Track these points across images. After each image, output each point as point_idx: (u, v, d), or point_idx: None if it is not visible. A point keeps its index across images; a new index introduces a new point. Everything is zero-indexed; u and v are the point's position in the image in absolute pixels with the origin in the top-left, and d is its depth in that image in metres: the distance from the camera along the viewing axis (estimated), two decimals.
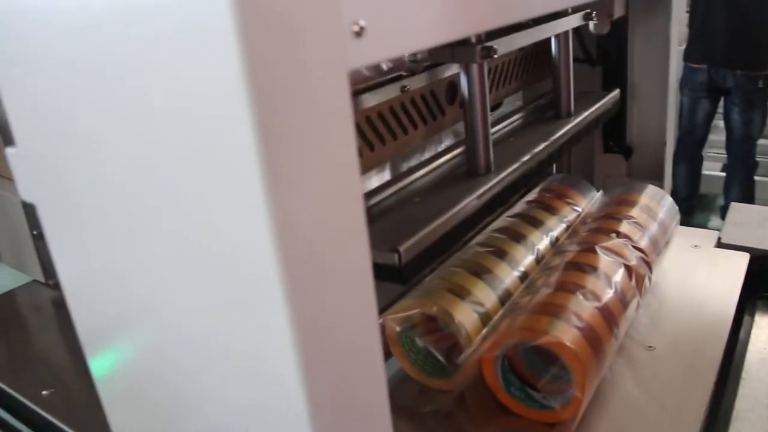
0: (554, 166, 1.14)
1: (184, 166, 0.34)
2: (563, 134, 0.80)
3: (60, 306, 0.50)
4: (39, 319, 0.91)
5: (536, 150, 0.74)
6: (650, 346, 0.78)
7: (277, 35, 0.30)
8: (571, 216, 0.89)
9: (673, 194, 0.99)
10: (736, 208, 1.09)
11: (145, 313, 0.44)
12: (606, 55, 1.01)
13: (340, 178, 0.35)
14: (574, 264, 0.74)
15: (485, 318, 0.69)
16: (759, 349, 0.83)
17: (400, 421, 0.69)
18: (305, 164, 0.33)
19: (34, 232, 0.88)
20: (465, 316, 0.67)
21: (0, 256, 0.99)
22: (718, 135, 2.69)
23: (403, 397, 0.71)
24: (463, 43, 0.60)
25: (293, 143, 0.32)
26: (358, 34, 0.34)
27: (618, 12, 0.89)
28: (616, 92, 0.97)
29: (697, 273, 0.92)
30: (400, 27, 0.37)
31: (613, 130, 1.07)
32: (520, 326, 0.64)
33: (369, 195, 0.65)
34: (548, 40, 0.82)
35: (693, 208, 2.59)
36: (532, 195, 0.92)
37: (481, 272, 0.73)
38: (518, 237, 0.80)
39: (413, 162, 0.78)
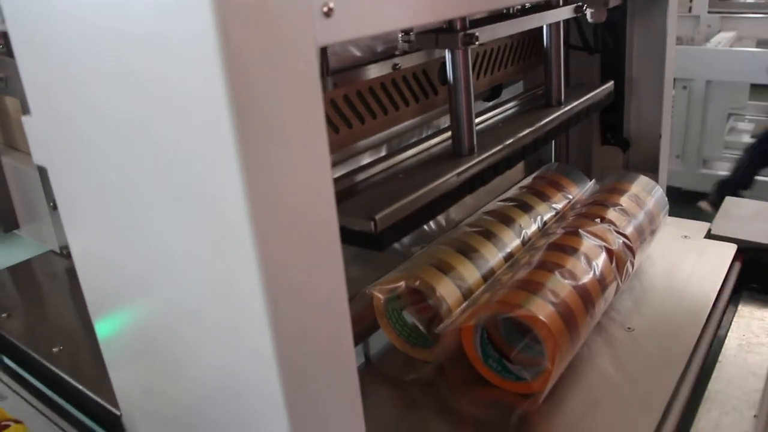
0: (552, 156, 1.17)
1: (174, 131, 0.38)
2: (549, 121, 0.83)
3: (73, 274, 0.55)
4: (53, 286, 0.96)
5: (520, 134, 0.77)
6: (629, 328, 0.81)
7: (250, 15, 0.34)
8: (562, 203, 0.92)
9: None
10: (729, 202, 1.11)
11: (143, 280, 0.49)
12: (604, 44, 1.03)
13: (309, 144, 0.39)
14: (556, 245, 0.77)
15: (467, 293, 0.72)
16: (738, 336, 0.86)
17: (384, 388, 0.73)
18: (275, 130, 0.37)
19: (51, 204, 0.93)
20: (447, 290, 0.71)
21: (19, 228, 1.04)
22: (735, 136, 2.69)
23: (389, 367, 0.75)
24: (447, 30, 0.64)
25: (264, 111, 0.36)
26: (327, 14, 0.38)
27: (614, 1, 0.92)
28: (609, 84, 0.99)
29: (683, 262, 0.94)
30: (368, 8, 0.41)
31: (610, 122, 1.10)
32: (497, 300, 0.67)
33: (357, 171, 0.69)
34: (543, 27, 0.85)
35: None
36: (525, 182, 0.96)
37: (467, 251, 0.76)
38: (507, 220, 0.84)
39: (410, 141, 0.82)
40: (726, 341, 0.85)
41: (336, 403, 0.46)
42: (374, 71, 0.71)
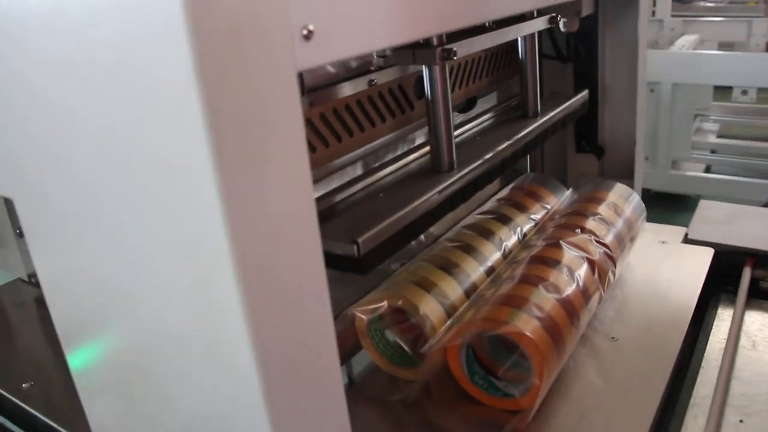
0: (528, 165, 1.17)
1: (149, 159, 0.37)
2: (527, 133, 0.82)
3: (42, 303, 0.52)
4: (21, 316, 0.93)
5: (499, 148, 0.76)
6: (613, 338, 0.80)
7: (226, 40, 0.32)
8: (540, 213, 0.92)
9: None
10: (705, 206, 1.12)
11: (118, 307, 0.46)
12: (576, 52, 1.04)
13: (291, 171, 0.37)
14: (538, 258, 0.76)
15: (451, 310, 0.71)
16: (719, 339, 0.86)
17: (368, 409, 0.71)
18: (255, 158, 0.35)
19: (17, 231, 0.90)
20: (430, 308, 0.69)
21: None
22: (701, 137, 2.73)
23: (372, 387, 0.74)
24: (424, 45, 0.63)
25: (243, 138, 0.34)
26: (307, 37, 0.37)
27: (586, 10, 0.92)
28: (584, 93, 1.00)
29: (662, 267, 0.95)
30: (348, 31, 0.40)
31: (584, 130, 1.10)
32: (482, 317, 0.66)
33: (337, 191, 0.67)
34: (517, 39, 0.85)
35: None
36: (502, 193, 0.95)
37: (448, 266, 0.75)
38: (487, 233, 0.83)
39: (387, 157, 0.81)
40: (708, 346, 0.85)
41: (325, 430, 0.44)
42: (350, 88, 0.70)
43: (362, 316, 0.69)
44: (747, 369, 0.80)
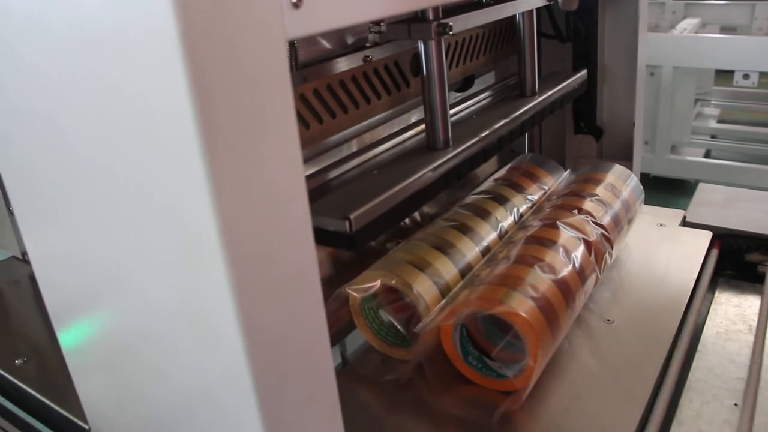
0: (526, 146, 1.16)
1: (135, 131, 0.36)
2: (524, 112, 0.82)
3: (36, 280, 0.52)
4: (16, 293, 0.92)
5: (496, 126, 0.75)
6: (609, 320, 0.80)
7: (213, 7, 0.31)
8: (538, 194, 0.91)
9: None
10: (704, 189, 1.11)
11: (107, 284, 0.46)
12: (576, 32, 1.02)
13: (280, 142, 0.37)
14: (534, 238, 0.76)
15: (445, 290, 0.71)
16: (716, 323, 0.86)
17: (362, 389, 0.71)
18: (244, 128, 0.34)
19: (10, 209, 0.89)
20: (424, 287, 0.69)
21: None
22: (702, 122, 2.72)
23: (365, 367, 0.74)
24: (420, 20, 0.61)
25: (231, 109, 0.33)
26: (296, 5, 0.36)
27: None
28: (583, 73, 0.98)
29: (660, 250, 0.94)
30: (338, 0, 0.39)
31: (583, 111, 1.09)
32: (476, 296, 0.66)
33: (330, 167, 0.66)
34: (515, 16, 0.83)
35: None
36: (500, 173, 0.94)
37: (443, 246, 0.75)
38: (483, 213, 0.82)
39: (383, 134, 0.80)
40: (704, 329, 0.84)
41: (314, 409, 0.44)
42: (345, 64, 0.69)
43: (355, 295, 0.68)
44: (743, 353, 0.80)
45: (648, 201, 1.04)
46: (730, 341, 0.82)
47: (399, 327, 0.70)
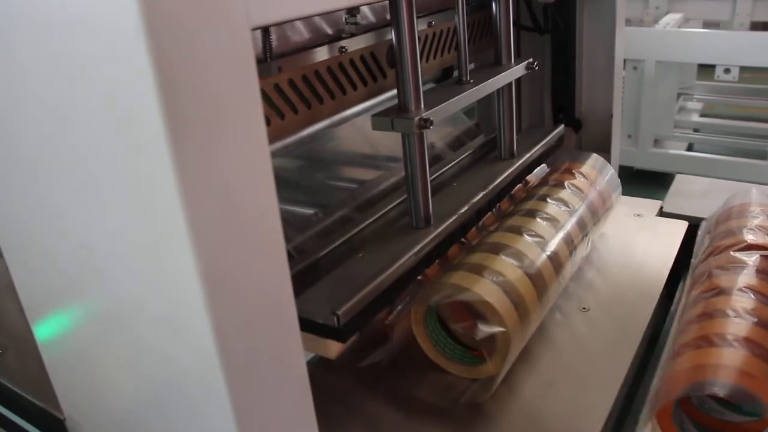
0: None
1: (102, 118, 0.36)
2: (503, 179, 0.85)
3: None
4: None
5: (474, 200, 0.78)
6: (585, 307, 0.81)
7: None
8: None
9: None
10: (681, 180, 1.12)
11: (78, 276, 0.46)
12: (555, 24, 1.03)
13: (245, 130, 0.37)
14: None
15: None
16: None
17: (338, 377, 0.72)
18: (208, 116, 0.34)
19: None
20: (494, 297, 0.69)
21: None
22: (684, 115, 2.74)
23: (342, 356, 0.74)
24: (403, 111, 0.67)
25: (194, 94, 0.34)
26: None
27: None
28: (560, 128, 1.00)
29: (636, 239, 0.95)
30: None
31: (562, 103, 1.10)
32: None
33: (318, 247, 0.70)
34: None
35: None
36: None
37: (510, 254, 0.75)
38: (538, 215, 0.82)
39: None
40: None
41: (284, 393, 0.44)
42: (320, 55, 0.69)
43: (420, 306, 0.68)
44: None
45: (631, 194, 1.05)
46: None
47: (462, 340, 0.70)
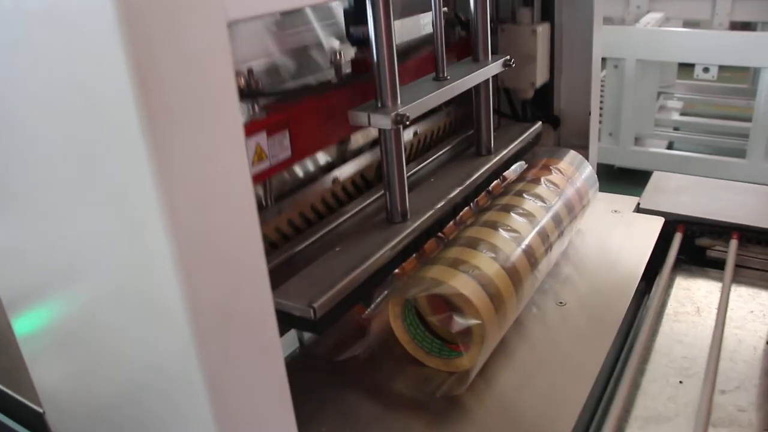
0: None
1: (76, 116, 0.36)
2: (480, 175, 0.86)
3: None
4: None
5: (451, 195, 0.79)
6: (561, 302, 0.82)
7: None
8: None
9: None
10: (658, 177, 1.14)
11: (56, 269, 0.46)
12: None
13: (221, 119, 0.37)
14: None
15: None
16: (666, 305, 0.88)
17: (317, 371, 0.72)
18: (184, 106, 0.35)
19: None
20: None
21: None
22: (665, 114, 2.77)
23: (322, 349, 0.75)
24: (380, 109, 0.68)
25: (170, 84, 0.34)
26: None
27: None
28: (537, 125, 1.02)
29: (613, 235, 0.96)
30: None
31: (541, 101, 1.11)
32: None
33: (296, 242, 0.70)
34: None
35: None
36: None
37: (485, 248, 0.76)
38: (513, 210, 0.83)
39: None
40: (654, 311, 0.87)
41: (261, 386, 0.44)
42: (315, 189, 0.74)
43: (399, 299, 0.69)
44: (690, 334, 0.82)
45: (611, 191, 1.07)
46: (678, 323, 0.84)
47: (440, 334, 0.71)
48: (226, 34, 0.37)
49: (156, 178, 0.34)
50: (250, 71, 0.64)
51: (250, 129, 0.60)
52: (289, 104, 0.66)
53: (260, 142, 0.61)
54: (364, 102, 0.69)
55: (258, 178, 0.63)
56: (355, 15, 0.74)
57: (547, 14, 1.05)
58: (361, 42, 0.75)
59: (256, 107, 0.64)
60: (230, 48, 0.37)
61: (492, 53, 0.87)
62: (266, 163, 0.62)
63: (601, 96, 2.41)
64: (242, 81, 0.63)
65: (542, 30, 1.01)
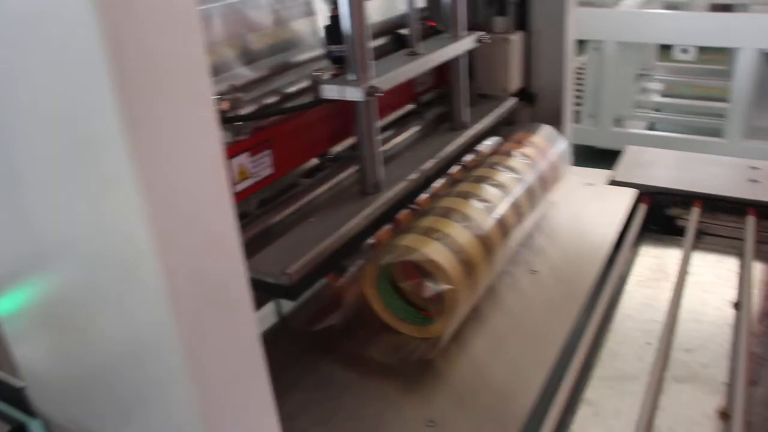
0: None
1: (49, 79, 0.37)
2: (453, 150, 0.87)
3: None
4: None
5: (424, 167, 0.81)
6: (534, 270, 0.84)
7: None
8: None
9: None
10: (631, 150, 1.16)
11: (36, 245, 0.47)
12: None
13: (190, 78, 0.38)
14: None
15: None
16: (637, 273, 0.90)
17: (295, 341, 0.74)
18: (152, 67, 0.36)
19: None
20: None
21: None
22: (646, 96, 2.79)
23: (299, 320, 0.76)
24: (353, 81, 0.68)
25: (140, 53, 0.35)
26: None
27: None
28: (514, 101, 1.04)
29: (587, 207, 0.98)
30: None
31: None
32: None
33: (271, 211, 0.71)
34: None
35: None
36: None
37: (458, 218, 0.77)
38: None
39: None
40: (624, 277, 0.89)
41: (237, 354, 0.45)
42: None
43: (374, 266, 0.70)
44: (660, 298, 0.84)
45: None
46: (648, 288, 0.86)
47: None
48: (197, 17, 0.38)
49: (127, 139, 0.35)
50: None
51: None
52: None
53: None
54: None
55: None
56: (334, 35, 0.74)
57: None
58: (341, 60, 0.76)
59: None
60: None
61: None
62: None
63: (582, 78, 2.43)
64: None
65: (516, 39, 1.04)
